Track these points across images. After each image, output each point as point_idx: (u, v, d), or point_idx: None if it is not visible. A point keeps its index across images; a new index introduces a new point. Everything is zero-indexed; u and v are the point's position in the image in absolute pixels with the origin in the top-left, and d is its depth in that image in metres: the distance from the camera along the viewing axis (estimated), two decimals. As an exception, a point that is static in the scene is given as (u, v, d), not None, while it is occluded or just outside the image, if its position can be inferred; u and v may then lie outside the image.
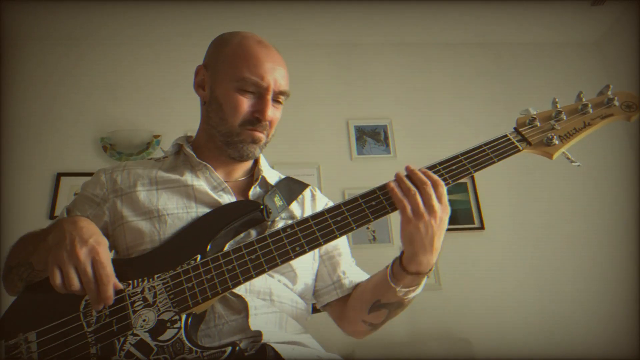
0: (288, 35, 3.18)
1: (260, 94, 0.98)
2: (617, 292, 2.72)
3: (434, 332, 2.57)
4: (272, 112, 0.99)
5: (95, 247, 0.79)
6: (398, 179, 0.87)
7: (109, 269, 0.78)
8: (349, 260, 1.10)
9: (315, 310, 1.11)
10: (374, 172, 2.92)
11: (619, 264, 2.79)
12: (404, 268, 0.87)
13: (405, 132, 3.06)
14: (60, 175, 2.77)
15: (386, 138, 3.05)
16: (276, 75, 0.99)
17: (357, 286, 1.04)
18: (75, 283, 0.77)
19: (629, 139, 3.06)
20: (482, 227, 2.82)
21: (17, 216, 2.61)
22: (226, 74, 0.99)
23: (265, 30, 3.10)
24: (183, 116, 2.84)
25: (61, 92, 3.01)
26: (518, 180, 2.92)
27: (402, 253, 0.89)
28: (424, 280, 0.89)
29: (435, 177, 0.85)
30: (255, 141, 0.99)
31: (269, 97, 0.98)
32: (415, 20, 3.13)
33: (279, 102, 1.02)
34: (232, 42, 1.02)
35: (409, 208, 0.83)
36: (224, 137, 1.00)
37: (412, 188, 0.84)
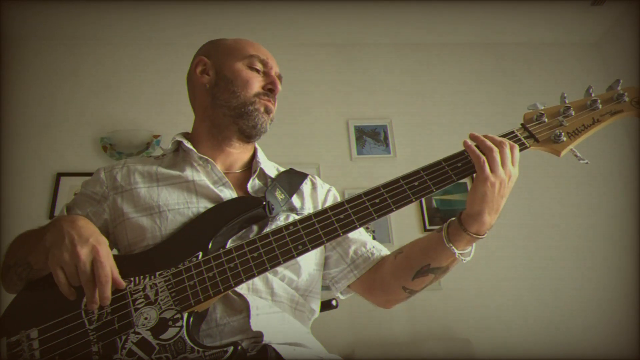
0: (288, 35, 3.18)
1: (265, 72, 1.07)
2: (617, 292, 2.72)
3: (434, 332, 2.57)
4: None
5: (96, 246, 0.79)
6: (475, 138, 0.86)
7: (108, 269, 0.78)
8: (365, 237, 1.09)
9: (324, 308, 1.10)
10: (374, 172, 2.93)
11: (619, 263, 2.79)
12: (465, 228, 0.86)
13: (405, 132, 3.06)
14: (60, 175, 2.77)
15: (386, 138, 3.05)
16: (274, 61, 1.09)
17: (393, 254, 1.03)
18: (77, 283, 0.77)
19: (628, 137, 3.06)
20: (482, 227, 2.81)
21: (17, 216, 2.61)
22: (232, 55, 1.07)
23: (265, 30, 3.13)
24: (183, 116, 2.81)
25: (61, 92, 3.01)
26: (518, 180, 2.91)
27: (461, 214, 0.88)
28: (474, 247, 0.90)
29: (511, 141, 0.86)
30: (268, 111, 1.05)
31: (276, 73, 1.08)
32: (415, 20, 3.13)
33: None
34: (228, 38, 1.12)
35: (487, 165, 0.82)
36: (236, 109, 1.02)
37: (493, 146, 0.84)
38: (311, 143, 2.97)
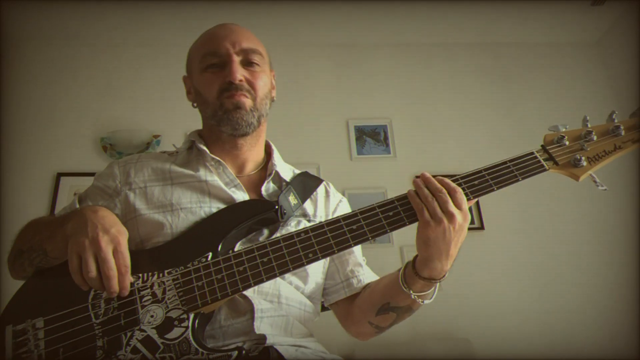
0: (288, 35, 3.18)
1: (224, 63, 0.99)
2: (617, 292, 2.72)
3: (434, 332, 2.56)
4: (244, 72, 0.99)
5: (117, 236, 0.79)
6: (416, 186, 0.85)
7: (128, 260, 0.79)
8: (358, 260, 1.08)
9: (324, 308, 1.09)
10: (374, 172, 2.92)
11: (619, 263, 2.79)
12: (417, 272, 0.86)
13: (405, 132, 3.06)
14: (60, 175, 2.77)
15: (386, 138, 3.05)
16: (233, 38, 1.00)
17: (366, 287, 1.03)
18: (93, 270, 0.76)
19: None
20: (482, 227, 2.82)
21: (17, 216, 2.60)
22: (194, 64, 1.04)
23: (264, 31, 3.12)
24: (183, 116, 2.83)
25: (61, 92, 3.00)
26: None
27: (416, 257, 0.87)
28: (436, 288, 0.88)
29: (452, 184, 0.83)
30: (238, 106, 0.97)
31: (233, 59, 0.98)
32: (415, 20, 3.13)
33: (253, 63, 1.01)
34: (196, 40, 1.08)
35: (426, 211, 0.81)
36: (213, 118, 1.00)
37: (430, 194, 0.82)
38: (311, 143, 2.97)
